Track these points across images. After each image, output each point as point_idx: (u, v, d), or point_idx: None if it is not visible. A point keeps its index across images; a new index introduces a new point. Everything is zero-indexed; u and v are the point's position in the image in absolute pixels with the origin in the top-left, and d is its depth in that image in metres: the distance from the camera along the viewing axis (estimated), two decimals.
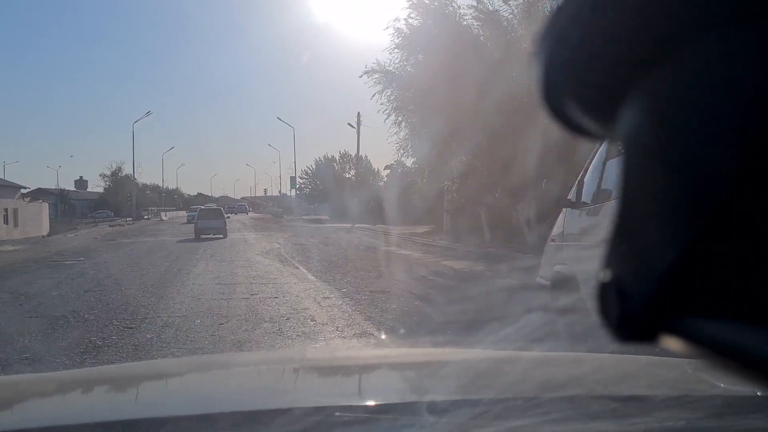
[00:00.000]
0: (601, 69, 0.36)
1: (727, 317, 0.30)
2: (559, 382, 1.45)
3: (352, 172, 56.60)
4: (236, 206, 77.66)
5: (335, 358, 2.18)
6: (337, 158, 65.30)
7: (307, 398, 1.36)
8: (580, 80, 0.38)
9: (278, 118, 61.82)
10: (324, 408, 1.16)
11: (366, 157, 57.96)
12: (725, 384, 1.20)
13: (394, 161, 42.21)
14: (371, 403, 1.23)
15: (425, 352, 2.69)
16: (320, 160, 66.59)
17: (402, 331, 6.35)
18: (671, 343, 0.33)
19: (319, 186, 62.29)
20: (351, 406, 1.20)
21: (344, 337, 6.03)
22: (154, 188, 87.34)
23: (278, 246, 19.61)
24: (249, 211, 72.75)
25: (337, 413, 1.12)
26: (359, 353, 2.66)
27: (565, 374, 1.57)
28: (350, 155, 59.59)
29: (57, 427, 1.14)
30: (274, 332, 6.27)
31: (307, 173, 66.44)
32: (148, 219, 56.30)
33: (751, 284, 0.30)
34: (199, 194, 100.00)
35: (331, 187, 50.71)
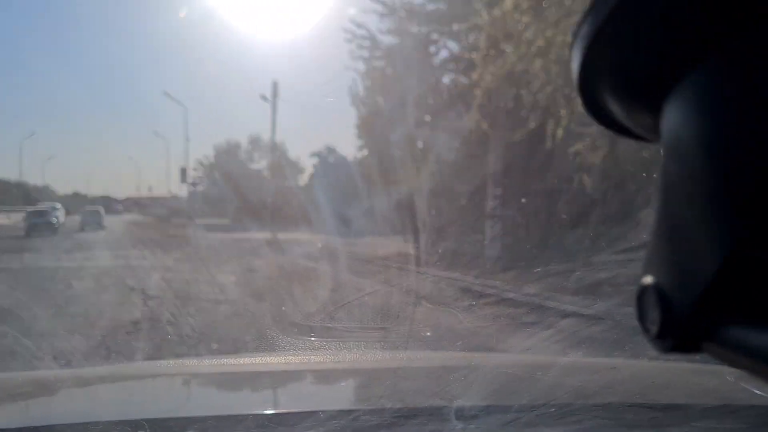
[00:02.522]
0: (644, 64, 0.35)
1: None
2: (593, 389, 1.43)
3: (264, 161, 44.00)
4: (102, 205, 61.03)
5: (362, 361, 2.17)
6: (244, 144, 50.02)
7: (334, 401, 1.36)
8: (620, 76, 0.37)
9: (166, 94, 44.32)
10: (350, 411, 1.15)
11: (284, 143, 44.41)
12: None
13: (325, 147, 34.99)
14: (398, 406, 1.22)
15: (455, 356, 2.68)
16: (221, 148, 50.37)
17: None
18: (714, 352, 0.32)
19: (219, 181, 47.21)
20: (377, 410, 1.19)
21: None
22: (13, 184, 76.58)
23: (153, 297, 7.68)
24: (121, 211, 60.03)
25: (363, 417, 1.11)
26: (386, 356, 2.65)
27: (600, 381, 1.54)
28: (263, 140, 45.53)
29: (85, 423, 1.15)
30: None
31: (203, 165, 50.23)
32: None
33: None
34: (75, 193, 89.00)
35: (236, 181, 38.60)
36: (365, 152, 21.74)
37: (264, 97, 27.03)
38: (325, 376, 1.80)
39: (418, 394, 1.53)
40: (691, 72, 0.32)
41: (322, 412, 1.13)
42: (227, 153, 49.89)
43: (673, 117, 0.34)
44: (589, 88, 0.38)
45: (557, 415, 1.10)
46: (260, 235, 20.31)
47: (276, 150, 36.66)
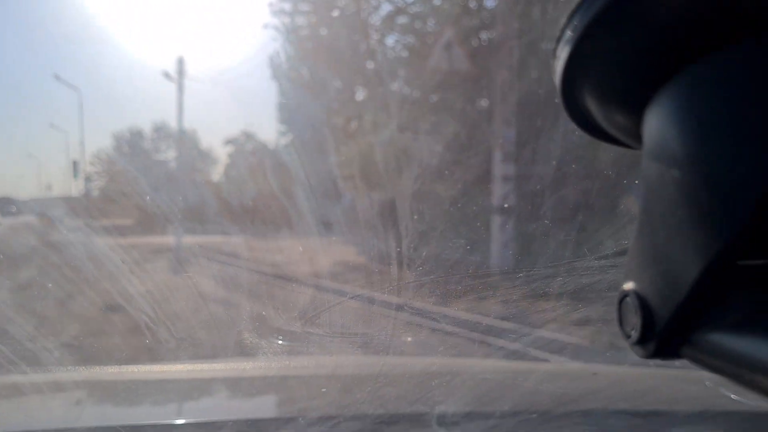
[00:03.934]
0: (626, 72, 0.35)
1: (751, 331, 0.29)
2: (574, 395, 1.43)
3: (172, 152, 40.01)
4: None
5: (342, 366, 2.17)
6: (149, 132, 44.32)
7: (313, 408, 1.35)
8: (602, 82, 0.37)
9: (57, 78, 42.14)
10: (331, 417, 1.14)
11: (193, 130, 39.46)
12: (746, 399, 1.18)
13: (241, 133, 31.38)
14: (379, 412, 1.21)
15: (437, 362, 2.68)
16: (122, 137, 44.48)
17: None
18: (694, 357, 0.32)
19: (120, 176, 41.90)
20: (358, 416, 1.19)
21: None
22: None
23: None
24: (15, 212, 48.63)
25: (344, 423, 1.10)
26: (367, 361, 2.65)
27: (581, 388, 1.55)
28: (170, 128, 40.91)
29: (62, 430, 1.13)
30: None
31: (100, 158, 45.00)
32: None
33: None
34: None
35: (139, 176, 28.63)
36: (290, 137, 19.37)
37: (167, 75, 22.80)
38: (306, 382, 1.79)
39: (400, 400, 1.53)
40: (671, 79, 0.32)
41: (302, 418, 1.12)
42: (129, 143, 44.43)
43: (654, 124, 0.34)
44: (572, 94, 0.39)
45: (538, 421, 1.10)
46: (162, 239, 17.67)
47: (184, 138, 31.75)
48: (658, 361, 0.37)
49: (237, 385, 1.76)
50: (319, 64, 14.95)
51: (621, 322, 0.35)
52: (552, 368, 1.92)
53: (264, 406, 1.42)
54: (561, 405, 1.25)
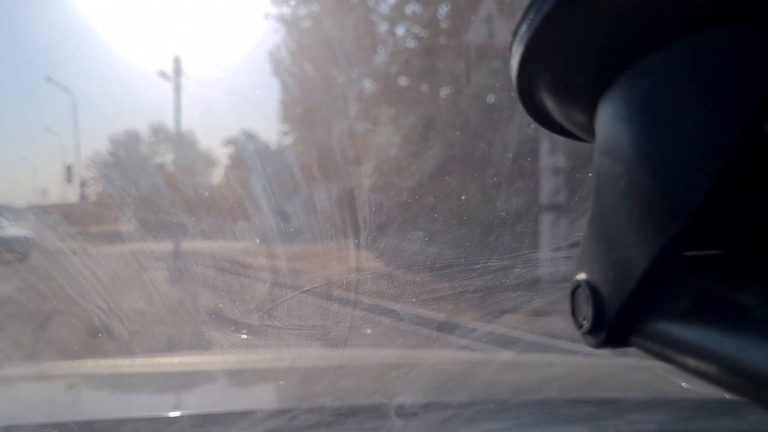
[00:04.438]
0: (578, 66, 0.36)
1: (697, 320, 0.30)
2: (531, 385, 1.46)
3: (170, 155, 38.74)
4: None
5: (301, 359, 2.16)
6: (145, 135, 42.49)
7: (271, 400, 1.34)
8: (556, 76, 0.38)
9: (49, 80, 36.78)
10: (288, 410, 1.13)
11: (191, 132, 39.40)
12: (695, 387, 1.21)
13: (242, 133, 29.60)
14: (338, 405, 1.21)
15: (395, 354, 2.68)
16: (118, 140, 42.92)
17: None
18: (643, 346, 0.32)
19: (116, 180, 32.34)
20: (316, 408, 1.18)
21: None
22: None
23: None
24: (10, 220, 52.32)
25: (302, 416, 1.10)
26: (325, 353, 2.64)
27: (537, 377, 1.57)
28: (166, 129, 39.45)
29: (12, 426, 1.10)
30: None
31: (95, 162, 42.79)
32: None
33: (722, 289, 0.30)
34: None
35: (137, 180, 22.45)
36: (293, 136, 18.37)
37: (163, 74, 21.73)
38: (263, 375, 1.78)
39: (358, 391, 1.53)
40: (621, 74, 0.33)
41: (260, 411, 1.11)
42: (125, 146, 41.17)
43: (605, 118, 0.35)
44: (528, 88, 0.39)
45: (496, 410, 1.12)
46: (161, 246, 16.99)
47: (182, 139, 30.11)
48: (610, 350, 0.38)
49: (192, 379, 1.74)
50: (321, 56, 14.13)
51: (573, 312, 0.36)
52: (509, 358, 1.94)
53: (220, 400, 1.41)
54: (518, 394, 1.27)
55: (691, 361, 0.30)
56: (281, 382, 1.72)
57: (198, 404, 1.33)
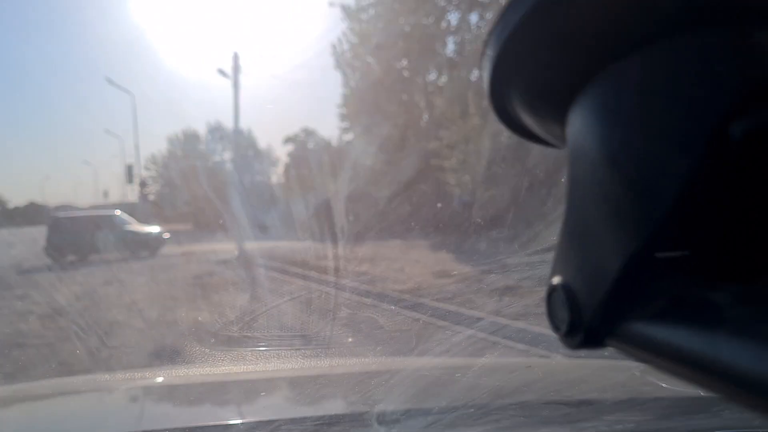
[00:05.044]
0: (550, 74, 0.36)
1: (671, 320, 0.30)
2: (510, 388, 1.46)
3: (228, 153, 37.99)
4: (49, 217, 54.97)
5: (283, 370, 2.14)
6: (203, 134, 41.74)
7: (253, 412, 1.34)
8: (527, 84, 0.38)
9: (108, 80, 36.99)
10: (270, 422, 1.13)
11: (249, 130, 38.07)
12: (671, 385, 1.23)
13: (302, 130, 29.63)
14: (319, 414, 1.21)
15: (375, 362, 2.68)
16: (176, 139, 42.20)
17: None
18: (619, 346, 0.33)
19: (175, 179, 38.99)
20: (298, 419, 1.18)
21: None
22: None
23: None
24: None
25: (284, 427, 1.10)
26: (307, 363, 2.62)
27: (516, 380, 1.58)
28: (224, 128, 38.67)
29: None
30: None
31: (155, 162, 42.89)
32: None
33: (694, 289, 0.30)
34: (31, 203, 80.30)
35: (196, 179, 30.71)
36: (357, 130, 17.37)
37: (222, 72, 21.29)
38: (245, 387, 1.77)
39: (339, 400, 1.53)
40: (592, 81, 0.34)
41: (242, 423, 1.11)
42: (184, 146, 41.86)
43: (576, 123, 0.35)
44: (500, 95, 0.40)
45: (476, 415, 1.12)
46: (223, 245, 16.01)
47: (241, 137, 28.74)
48: (587, 352, 0.38)
49: (174, 392, 1.72)
50: (387, 49, 13.05)
51: (550, 315, 0.36)
52: (488, 363, 1.95)
53: (202, 412, 1.39)
54: (498, 398, 1.27)
55: (667, 361, 0.30)
56: (263, 394, 1.71)
57: (179, 418, 1.31)
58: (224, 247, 15.47)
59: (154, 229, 16.50)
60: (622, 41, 0.32)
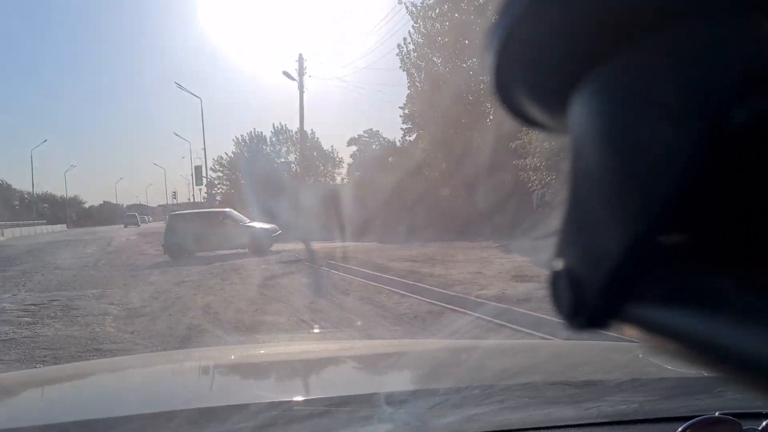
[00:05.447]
0: (552, 61, 0.37)
1: (674, 304, 0.31)
2: (515, 369, 1.48)
3: (293, 156, 39.54)
4: (125, 216, 62.05)
5: (292, 353, 2.16)
6: (268, 136, 42.77)
7: (265, 393, 1.35)
8: (530, 72, 0.39)
9: (177, 85, 38.06)
10: (282, 403, 1.15)
11: (313, 132, 39.43)
12: (674, 367, 1.24)
13: (366, 131, 30.16)
14: (329, 396, 1.23)
15: (383, 344, 2.69)
16: (242, 141, 43.62)
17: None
18: (622, 329, 0.34)
19: (241, 180, 40.02)
20: (309, 400, 1.20)
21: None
22: (46, 198, 69.73)
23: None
24: (138, 222, 55.96)
25: (295, 408, 1.12)
26: (316, 347, 2.64)
27: (521, 362, 1.59)
28: (289, 130, 40.87)
29: (10, 430, 1.11)
30: None
31: (221, 163, 44.85)
32: None
33: (696, 273, 0.31)
34: (106, 203, 79.96)
35: (261, 180, 30.96)
36: (421, 131, 16.79)
37: (287, 75, 21.94)
38: (256, 369, 1.79)
39: (349, 382, 1.55)
40: (595, 67, 0.34)
41: (254, 404, 1.13)
42: (250, 148, 42.66)
43: (579, 108, 0.36)
44: (503, 84, 0.40)
45: (482, 396, 1.13)
46: (288, 245, 15.99)
47: (305, 139, 29.62)
48: (590, 334, 0.39)
49: (187, 374, 1.75)
50: (454, 49, 12.66)
51: (553, 298, 0.36)
52: (494, 344, 1.96)
53: (215, 394, 1.41)
54: (503, 379, 1.29)
55: (670, 343, 0.31)
56: (274, 375, 1.73)
57: (192, 399, 1.33)
58: (291, 247, 15.44)
59: (267, 225, 16.48)
60: (625, 28, 0.32)
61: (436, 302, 6.98)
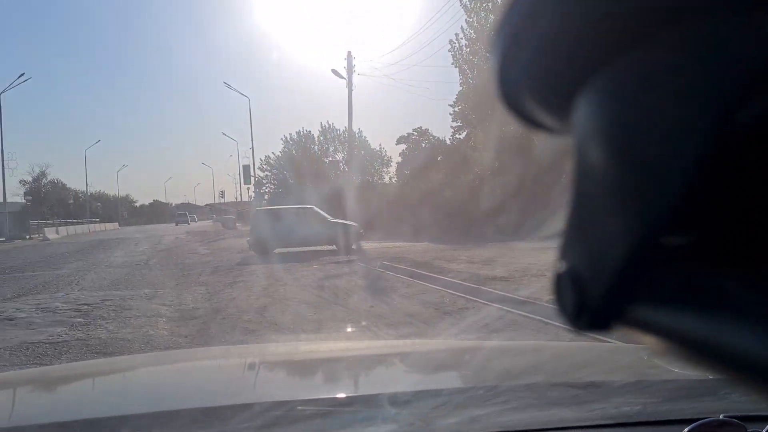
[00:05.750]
0: (556, 64, 0.37)
1: (677, 304, 0.31)
2: (519, 370, 1.48)
3: (341, 155, 39.32)
4: (177, 215, 64.74)
5: (297, 352, 2.17)
6: (316, 135, 42.04)
7: (269, 393, 1.36)
8: (534, 75, 0.39)
9: (225, 84, 40.46)
10: (285, 402, 1.16)
11: (360, 131, 38.76)
12: (678, 369, 1.23)
13: (415, 130, 28.04)
14: (333, 396, 1.24)
15: (387, 344, 2.69)
16: (290, 140, 42.95)
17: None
18: (626, 331, 0.34)
19: (289, 179, 40.26)
20: (312, 400, 1.21)
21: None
22: (99, 196, 71.85)
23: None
24: (188, 221, 58.06)
25: (299, 407, 1.12)
26: (321, 346, 2.67)
27: (524, 363, 1.59)
28: (336, 129, 40.29)
29: (15, 428, 1.13)
30: None
31: (269, 162, 44.64)
32: (29, 239, 36.30)
33: (700, 274, 0.31)
34: (155, 201, 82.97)
35: (309, 179, 30.96)
36: (473, 128, 16.40)
37: (336, 73, 21.51)
38: (261, 368, 1.80)
39: (353, 382, 1.56)
40: (601, 67, 0.34)
41: (258, 404, 1.14)
42: (297, 146, 42.13)
43: (584, 108, 0.36)
44: (509, 85, 0.40)
45: (486, 396, 1.14)
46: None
47: (353, 138, 29.76)
48: (594, 335, 0.41)
49: (191, 373, 1.75)
50: None
51: (557, 298, 0.37)
52: (497, 345, 1.96)
53: (218, 394, 1.40)
54: (507, 380, 1.29)
55: (673, 344, 0.31)
56: (278, 375, 1.75)
57: (196, 398, 1.34)
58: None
59: (350, 222, 16.11)
60: (628, 29, 0.32)
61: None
